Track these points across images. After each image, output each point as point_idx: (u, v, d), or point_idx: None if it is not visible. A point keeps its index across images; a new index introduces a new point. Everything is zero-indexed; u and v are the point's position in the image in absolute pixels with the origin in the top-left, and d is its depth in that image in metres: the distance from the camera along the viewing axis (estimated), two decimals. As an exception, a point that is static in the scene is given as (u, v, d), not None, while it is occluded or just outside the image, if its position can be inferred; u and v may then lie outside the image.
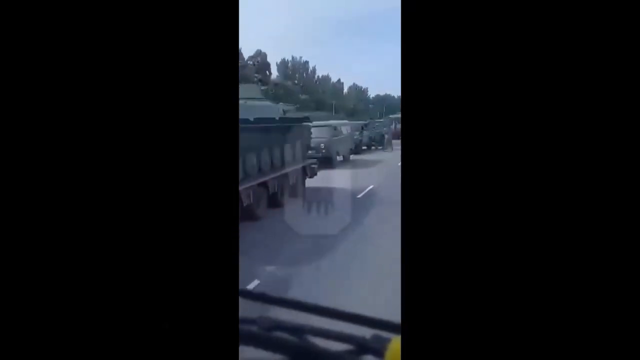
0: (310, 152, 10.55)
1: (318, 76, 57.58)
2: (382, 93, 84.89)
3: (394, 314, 0.69)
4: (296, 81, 50.40)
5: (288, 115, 9.38)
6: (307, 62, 55.07)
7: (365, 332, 0.66)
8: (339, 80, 64.29)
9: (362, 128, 21.14)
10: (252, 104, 7.67)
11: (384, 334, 0.65)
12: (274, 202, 7.92)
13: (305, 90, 47.74)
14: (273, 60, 51.85)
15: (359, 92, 71.64)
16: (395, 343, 0.62)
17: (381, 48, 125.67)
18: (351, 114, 47.15)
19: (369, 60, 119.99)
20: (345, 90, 67.29)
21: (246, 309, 0.73)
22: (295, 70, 53.77)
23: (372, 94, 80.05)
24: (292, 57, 53.96)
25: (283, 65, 52.75)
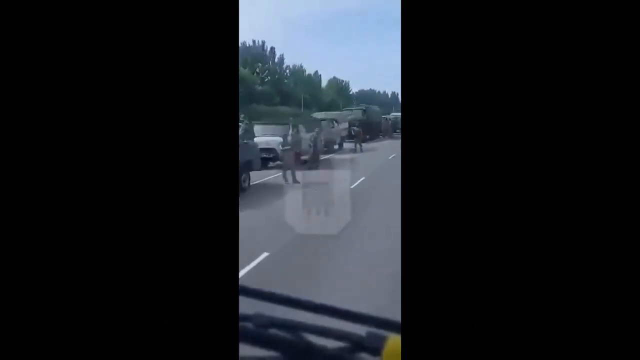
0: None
1: (288, 66, 47.66)
2: (366, 88, 75.73)
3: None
4: (258, 70, 40.23)
5: None
6: (273, 49, 45.15)
7: (362, 330, 0.67)
8: (316, 72, 55.02)
9: None
10: None
11: (381, 332, 0.66)
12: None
13: (266, 80, 37.61)
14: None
15: (339, 86, 61.69)
16: (392, 342, 0.63)
17: (370, 42, 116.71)
18: (327, 110, 37.14)
19: (355, 54, 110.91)
20: (324, 83, 57.33)
21: (242, 305, 0.73)
22: (257, 57, 43.54)
23: (355, 88, 70.58)
24: (254, 42, 44.00)
25: (242, 50, 42.57)
